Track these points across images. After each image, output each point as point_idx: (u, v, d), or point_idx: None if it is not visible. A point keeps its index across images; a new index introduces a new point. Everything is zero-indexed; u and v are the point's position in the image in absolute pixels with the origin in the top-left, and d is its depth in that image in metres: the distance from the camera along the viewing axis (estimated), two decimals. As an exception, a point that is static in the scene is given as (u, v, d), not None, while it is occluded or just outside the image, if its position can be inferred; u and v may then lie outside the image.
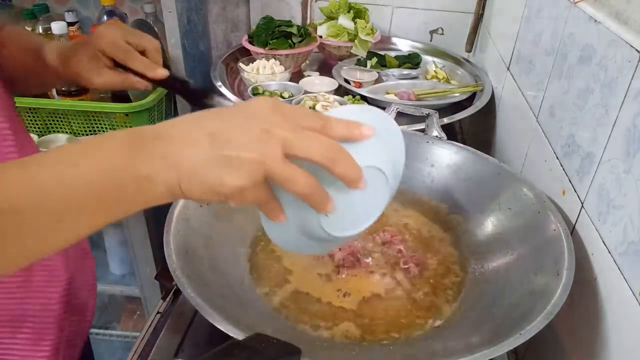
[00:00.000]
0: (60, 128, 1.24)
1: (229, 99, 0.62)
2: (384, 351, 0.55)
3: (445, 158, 0.78)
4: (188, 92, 0.62)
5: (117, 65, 0.59)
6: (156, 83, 0.60)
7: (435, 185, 0.78)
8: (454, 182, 0.76)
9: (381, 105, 1.13)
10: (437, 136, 0.80)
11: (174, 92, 0.61)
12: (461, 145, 0.78)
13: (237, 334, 0.44)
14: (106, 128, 1.23)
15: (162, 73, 0.60)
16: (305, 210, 0.36)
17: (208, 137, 0.32)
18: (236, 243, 0.67)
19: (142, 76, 0.59)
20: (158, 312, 0.67)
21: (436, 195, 0.77)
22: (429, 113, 0.84)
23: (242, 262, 0.66)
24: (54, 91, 1.26)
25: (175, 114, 1.42)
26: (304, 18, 1.54)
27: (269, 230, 0.40)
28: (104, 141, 0.33)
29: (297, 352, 0.36)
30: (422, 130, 0.84)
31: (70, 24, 1.36)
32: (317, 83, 1.20)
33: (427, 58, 1.40)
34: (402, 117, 0.92)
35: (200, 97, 0.62)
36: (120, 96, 1.23)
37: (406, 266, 0.66)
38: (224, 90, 1.16)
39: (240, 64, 1.23)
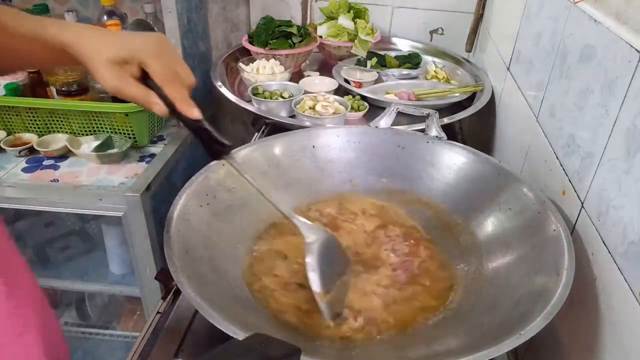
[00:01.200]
0: (60, 128, 1.24)
1: (242, 173, 0.59)
2: (384, 351, 0.55)
3: (446, 158, 0.78)
4: (208, 142, 0.57)
5: (142, 78, 0.54)
6: (179, 118, 0.55)
7: (435, 185, 0.78)
8: (454, 182, 0.76)
9: (381, 106, 1.14)
10: (437, 136, 0.80)
11: (193, 134, 0.57)
12: (461, 145, 0.78)
13: (237, 334, 0.44)
14: (106, 128, 1.23)
15: (196, 114, 0.55)
16: None
17: None
18: (237, 243, 0.67)
19: (169, 105, 0.54)
20: (158, 312, 0.67)
21: (436, 195, 0.77)
22: (429, 113, 0.84)
23: (242, 262, 0.66)
24: (54, 91, 1.26)
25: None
26: (304, 18, 1.54)
27: None
28: None
29: (297, 352, 0.36)
30: (422, 130, 0.84)
31: (70, 24, 1.36)
32: (317, 83, 1.20)
33: (427, 58, 1.40)
34: (402, 117, 0.92)
35: (219, 151, 0.58)
36: (120, 96, 1.23)
37: (406, 267, 0.66)
38: (224, 90, 1.16)
39: (240, 64, 1.23)
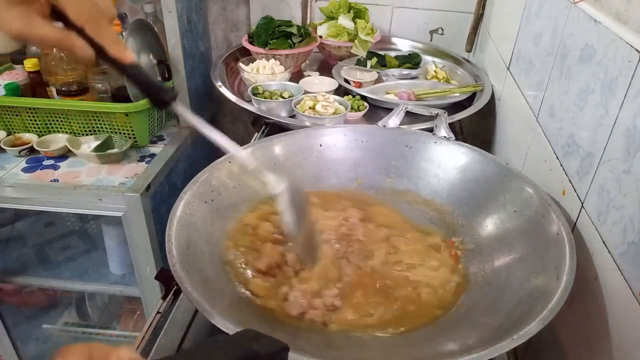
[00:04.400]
0: (60, 128, 1.24)
1: (189, 119, 0.52)
2: (380, 350, 0.55)
3: (453, 159, 0.78)
4: (148, 89, 0.49)
5: (54, 16, 0.44)
6: (110, 63, 0.46)
7: (441, 185, 0.77)
8: (459, 182, 0.76)
9: (381, 106, 1.14)
10: (445, 137, 0.80)
11: (131, 82, 0.50)
12: (469, 146, 0.78)
13: (231, 331, 0.44)
14: (106, 128, 1.23)
15: (131, 57, 0.47)
16: None
17: None
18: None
19: (95, 46, 0.45)
20: (158, 312, 0.67)
21: (441, 195, 0.77)
22: (437, 113, 0.84)
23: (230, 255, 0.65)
24: (54, 91, 1.26)
25: (175, 115, 1.42)
26: (304, 18, 1.54)
27: None
28: None
29: (285, 349, 0.36)
30: (425, 130, 0.84)
31: (70, 24, 1.36)
32: (317, 83, 1.20)
33: (427, 58, 1.40)
34: (404, 117, 0.92)
35: (163, 98, 0.50)
36: (120, 96, 1.23)
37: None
38: (224, 90, 1.16)
39: (240, 64, 1.23)
